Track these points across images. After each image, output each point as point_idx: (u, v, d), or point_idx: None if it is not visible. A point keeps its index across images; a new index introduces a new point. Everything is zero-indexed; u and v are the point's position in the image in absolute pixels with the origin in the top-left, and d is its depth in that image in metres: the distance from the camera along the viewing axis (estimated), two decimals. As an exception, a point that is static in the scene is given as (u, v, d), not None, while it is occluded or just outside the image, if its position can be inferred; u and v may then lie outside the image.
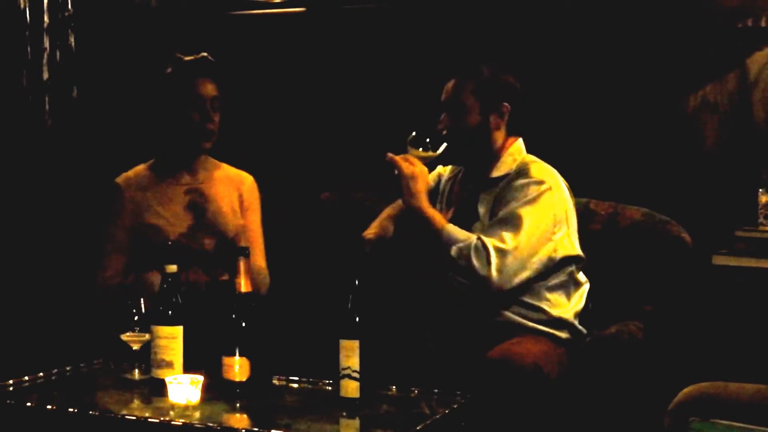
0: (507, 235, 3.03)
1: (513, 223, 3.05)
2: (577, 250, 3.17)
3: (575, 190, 3.27)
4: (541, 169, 3.17)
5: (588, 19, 3.85)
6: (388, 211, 3.42)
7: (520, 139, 3.28)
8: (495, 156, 3.23)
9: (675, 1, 3.75)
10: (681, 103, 3.77)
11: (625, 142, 3.82)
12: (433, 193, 3.37)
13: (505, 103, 3.21)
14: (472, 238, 3.04)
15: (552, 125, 3.88)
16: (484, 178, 3.23)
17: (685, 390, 2.56)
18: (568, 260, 3.15)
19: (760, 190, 3.53)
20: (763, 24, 3.58)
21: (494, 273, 3.00)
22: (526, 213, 3.06)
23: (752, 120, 3.69)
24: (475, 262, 3.00)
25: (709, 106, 3.74)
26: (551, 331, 3.11)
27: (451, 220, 3.17)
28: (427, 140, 3.18)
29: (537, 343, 3.03)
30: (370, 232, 3.33)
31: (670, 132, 3.78)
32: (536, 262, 3.06)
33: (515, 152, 3.23)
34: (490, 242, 3.02)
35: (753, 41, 3.65)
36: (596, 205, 3.43)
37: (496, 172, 3.21)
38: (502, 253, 3.01)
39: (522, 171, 3.17)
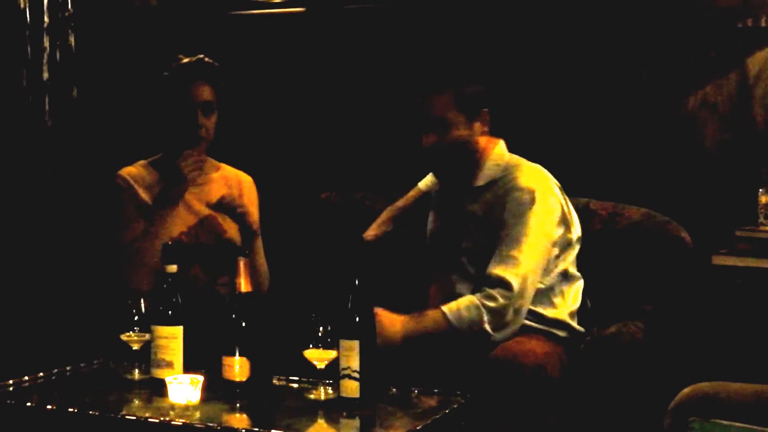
0: (510, 273, 2.98)
1: (517, 247, 3.01)
2: (573, 245, 3.16)
3: (575, 190, 3.27)
4: (528, 176, 3.12)
5: (588, 19, 3.85)
6: (387, 213, 3.42)
7: (501, 142, 3.22)
8: (476, 163, 3.17)
9: (675, 1, 3.75)
10: (681, 103, 3.77)
11: (625, 142, 3.82)
12: (424, 207, 3.35)
13: (485, 109, 3.15)
14: (463, 306, 2.98)
15: (552, 125, 3.88)
16: (468, 188, 3.18)
17: (685, 390, 2.55)
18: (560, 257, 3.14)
19: (760, 190, 3.52)
20: (763, 24, 3.58)
21: (492, 329, 2.98)
22: (528, 230, 3.02)
23: (752, 120, 3.69)
24: (488, 327, 2.98)
25: (709, 106, 3.74)
26: (549, 329, 3.11)
27: (438, 231, 3.15)
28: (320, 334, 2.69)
29: (538, 342, 3.03)
30: (370, 233, 3.32)
31: (670, 132, 3.78)
32: (541, 269, 3.06)
33: (497, 157, 3.18)
34: (485, 296, 2.97)
35: (753, 41, 3.65)
36: (596, 205, 3.43)
37: (480, 181, 3.17)
38: (497, 309, 2.97)
39: (509, 180, 3.12)
